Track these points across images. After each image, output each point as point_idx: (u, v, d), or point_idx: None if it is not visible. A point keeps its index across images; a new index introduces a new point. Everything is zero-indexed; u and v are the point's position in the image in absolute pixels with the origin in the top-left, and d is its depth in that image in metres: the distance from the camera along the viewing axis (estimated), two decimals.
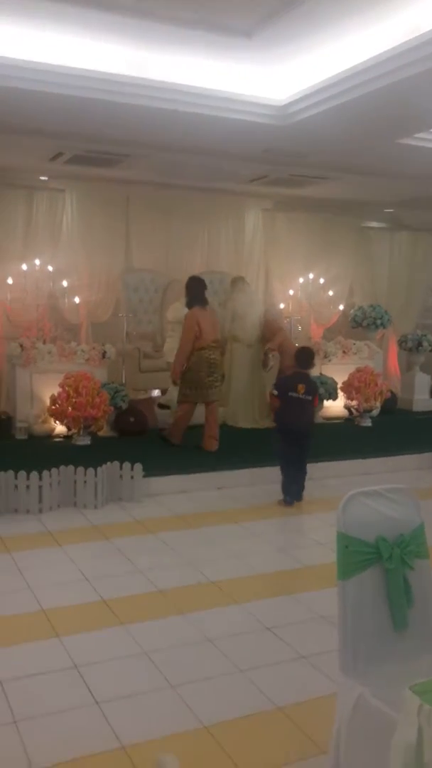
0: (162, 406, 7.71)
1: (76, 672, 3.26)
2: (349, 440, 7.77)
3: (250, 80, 5.47)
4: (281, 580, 4.50)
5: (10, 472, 5.63)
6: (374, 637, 2.30)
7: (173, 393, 7.26)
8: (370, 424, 8.24)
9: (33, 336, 7.74)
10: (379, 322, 9.28)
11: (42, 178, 8.18)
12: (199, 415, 7.00)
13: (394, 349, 10.48)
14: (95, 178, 8.23)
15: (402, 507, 2.42)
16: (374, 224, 10.65)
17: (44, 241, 8.38)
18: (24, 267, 8.12)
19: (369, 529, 2.33)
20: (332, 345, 8.66)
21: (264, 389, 7.83)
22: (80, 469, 5.82)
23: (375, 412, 8.37)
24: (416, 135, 6.24)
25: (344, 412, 8.45)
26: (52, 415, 6.72)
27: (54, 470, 5.76)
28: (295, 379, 6.13)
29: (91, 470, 5.80)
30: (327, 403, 8.19)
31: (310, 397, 6.07)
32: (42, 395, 7.00)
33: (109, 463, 6.01)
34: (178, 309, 7.51)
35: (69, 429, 6.73)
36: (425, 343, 9.35)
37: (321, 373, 8.20)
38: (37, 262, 8.20)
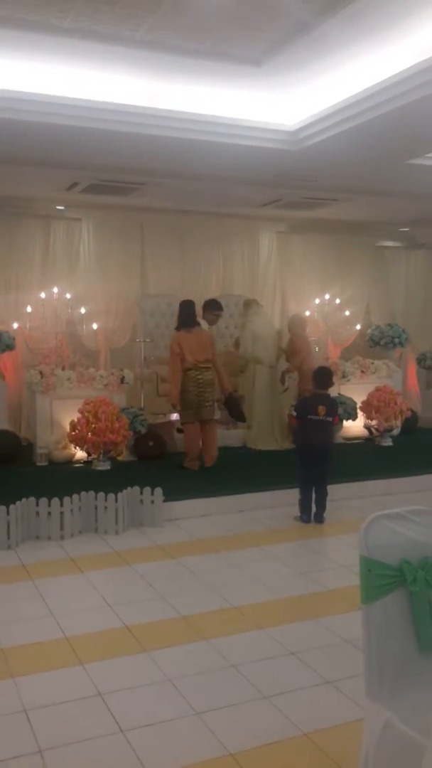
0: (181, 431, 7.74)
1: (101, 700, 3.24)
2: (371, 460, 7.72)
3: (260, 107, 5.56)
4: (304, 604, 4.45)
5: (32, 499, 5.65)
6: (400, 661, 2.27)
7: None
8: (391, 444, 8.19)
9: (52, 363, 7.82)
10: (396, 340, 9.26)
11: (59, 207, 8.33)
12: (232, 438, 7.05)
13: (413, 367, 10.44)
14: (110, 206, 8.36)
15: (425, 529, 2.40)
16: (389, 243, 10.67)
17: (62, 269, 8.52)
18: (42, 295, 8.24)
19: (392, 552, 2.30)
20: (350, 365, 8.65)
21: (284, 410, 7.84)
22: (101, 494, 5.83)
23: (396, 432, 8.32)
24: (427, 155, 6.28)
25: (364, 432, 8.41)
26: (71, 441, 6.76)
27: (75, 496, 5.78)
28: (315, 400, 6.13)
29: (111, 496, 5.81)
30: (347, 423, 8.16)
31: (330, 418, 6.07)
32: (62, 421, 7.05)
33: (129, 488, 6.02)
34: None
35: (89, 454, 6.76)
36: None
37: (340, 393, 8.19)
38: (56, 289, 8.33)
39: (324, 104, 5.32)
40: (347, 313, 9.95)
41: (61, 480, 6.39)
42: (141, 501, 6.04)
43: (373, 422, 8.20)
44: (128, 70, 4.99)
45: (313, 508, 6.11)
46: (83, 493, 5.86)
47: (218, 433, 7.07)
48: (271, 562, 5.20)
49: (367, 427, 8.34)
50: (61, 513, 5.67)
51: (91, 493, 5.86)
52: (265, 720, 3.08)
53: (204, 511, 6.34)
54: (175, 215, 8.82)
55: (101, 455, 6.66)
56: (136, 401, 7.98)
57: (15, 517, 5.46)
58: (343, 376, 8.41)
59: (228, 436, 7.92)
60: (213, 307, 7.95)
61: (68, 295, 8.42)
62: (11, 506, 5.44)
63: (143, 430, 7.30)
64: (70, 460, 7.06)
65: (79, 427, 6.55)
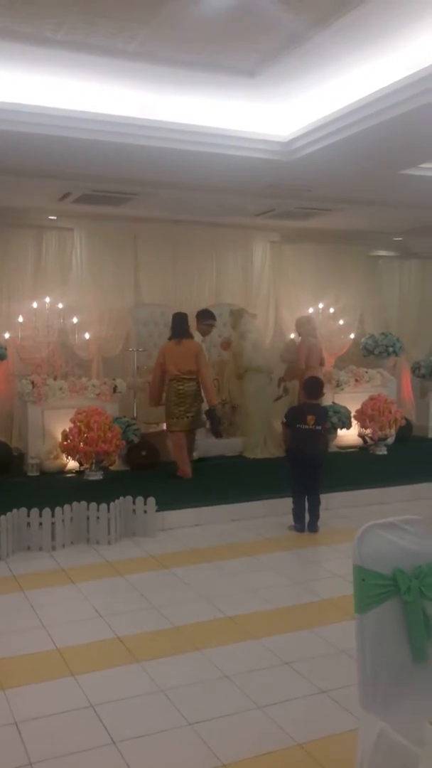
0: None
1: (92, 711, 3.22)
2: (365, 469, 7.72)
3: (253, 118, 5.58)
4: (298, 614, 4.44)
5: (23, 509, 5.62)
6: (394, 670, 2.26)
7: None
8: (385, 453, 8.19)
9: (44, 373, 7.79)
10: (391, 349, 9.28)
11: (51, 217, 8.32)
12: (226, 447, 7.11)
13: (407, 376, 10.46)
14: (103, 216, 8.36)
15: (419, 538, 2.40)
16: (383, 253, 10.72)
17: (54, 278, 8.50)
18: (34, 305, 8.22)
19: (386, 561, 2.30)
20: (344, 374, 8.66)
21: (278, 419, 7.86)
22: (93, 504, 5.81)
23: (390, 440, 8.32)
24: (421, 165, 6.32)
25: (358, 441, 8.40)
26: (63, 451, 6.73)
27: (66, 507, 5.75)
28: (304, 409, 6.15)
29: (103, 506, 5.78)
30: (341, 432, 8.16)
31: (319, 427, 6.08)
32: (54, 431, 7.02)
33: (121, 498, 5.99)
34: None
35: (81, 464, 6.73)
36: None
37: (334, 402, 8.19)
38: (48, 299, 8.31)
39: (317, 115, 5.34)
40: (341, 322, 9.97)
41: (52, 490, 6.36)
42: (134, 511, 6.02)
43: (368, 431, 8.20)
44: (122, 82, 5.00)
45: (307, 517, 6.10)
46: (75, 503, 5.83)
47: (214, 443, 7.10)
48: (265, 571, 5.19)
49: (361, 435, 8.34)
50: (53, 523, 5.65)
51: (83, 503, 5.84)
52: (258, 730, 3.07)
53: (197, 520, 6.32)
54: (169, 225, 8.83)
55: (93, 465, 6.63)
56: (128, 411, 7.96)
57: (6, 527, 5.43)
58: (337, 385, 8.42)
59: (223, 445, 7.92)
60: (206, 317, 7.95)
61: (60, 305, 8.40)
62: (2, 517, 5.42)
63: (136, 440, 7.28)
64: (62, 470, 7.02)
65: (71, 437, 6.53)
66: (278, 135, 5.72)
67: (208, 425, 7.38)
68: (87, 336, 8.54)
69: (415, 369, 9.72)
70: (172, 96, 5.22)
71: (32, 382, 7.13)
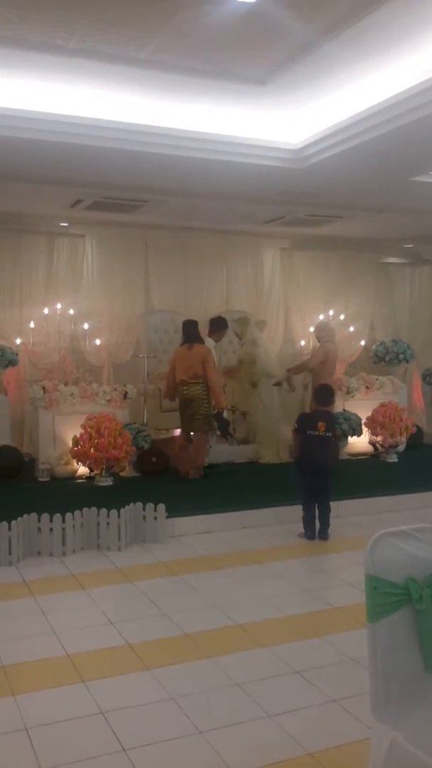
0: None
1: (102, 718, 3.21)
2: (376, 477, 7.69)
3: (265, 125, 5.60)
4: (309, 622, 4.41)
5: (33, 515, 5.63)
6: (406, 679, 2.24)
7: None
8: (396, 460, 8.16)
9: (55, 378, 7.83)
10: (401, 356, 9.26)
11: (62, 224, 8.37)
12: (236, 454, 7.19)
13: (418, 383, 10.42)
14: (114, 223, 8.41)
15: (431, 547, 2.38)
16: (394, 260, 10.69)
17: (65, 285, 8.55)
18: (46, 311, 8.27)
19: (398, 570, 2.29)
20: (355, 381, 8.64)
21: (288, 425, 7.86)
22: (103, 510, 5.81)
23: (401, 448, 8.29)
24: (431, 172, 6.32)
25: (369, 448, 8.38)
26: (74, 457, 6.75)
27: (77, 512, 5.76)
28: (315, 416, 6.14)
29: (114, 512, 5.78)
30: (351, 439, 8.14)
31: (330, 434, 6.07)
32: (64, 437, 7.04)
33: (132, 504, 5.99)
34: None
35: (91, 470, 6.75)
36: None
37: (344, 409, 8.18)
38: (59, 305, 8.36)
39: (328, 122, 5.36)
40: (351, 329, 9.96)
41: (63, 496, 6.38)
42: (144, 517, 6.02)
43: (378, 438, 8.17)
44: (133, 90, 5.04)
45: (317, 525, 6.08)
46: (85, 509, 5.84)
47: (224, 449, 7.14)
48: (276, 579, 5.17)
49: (372, 443, 8.31)
50: (63, 529, 5.65)
51: (94, 509, 5.84)
52: (269, 739, 3.05)
53: (207, 527, 6.31)
54: (179, 232, 8.86)
55: (104, 471, 6.64)
56: (139, 417, 7.97)
57: (16, 533, 5.44)
58: (348, 392, 8.40)
59: (233, 452, 7.92)
60: (221, 325, 8.02)
61: (71, 311, 8.45)
62: (13, 522, 5.43)
63: (146, 446, 7.29)
64: (72, 476, 7.04)
65: (81, 443, 6.54)
66: (289, 143, 5.74)
67: (217, 430, 7.39)
68: (98, 342, 8.57)
69: (425, 376, 9.69)
70: (183, 104, 5.25)
71: (43, 388, 7.16)
